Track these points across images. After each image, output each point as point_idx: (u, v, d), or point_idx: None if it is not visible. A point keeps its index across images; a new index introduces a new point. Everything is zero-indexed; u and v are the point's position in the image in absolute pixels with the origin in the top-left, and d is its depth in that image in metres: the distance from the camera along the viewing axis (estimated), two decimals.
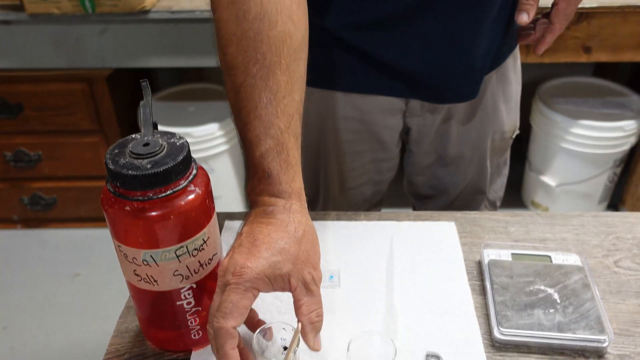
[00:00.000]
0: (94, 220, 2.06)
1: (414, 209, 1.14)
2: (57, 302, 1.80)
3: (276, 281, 0.56)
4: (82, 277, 1.90)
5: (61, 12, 1.56)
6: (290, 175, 0.60)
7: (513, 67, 0.96)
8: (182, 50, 1.66)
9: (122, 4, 1.53)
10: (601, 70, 2.20)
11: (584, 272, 0.72)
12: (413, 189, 1.10)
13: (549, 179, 1.98)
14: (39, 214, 2.05)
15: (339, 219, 0.85)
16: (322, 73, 0.86)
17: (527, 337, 0.65)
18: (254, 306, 0.60)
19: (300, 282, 0.57)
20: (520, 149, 2.05)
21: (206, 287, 0.61)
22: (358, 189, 1.01)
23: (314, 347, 0.57)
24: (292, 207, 0.60)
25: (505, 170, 1.10)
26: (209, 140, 1.82)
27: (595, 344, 0.64)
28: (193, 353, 0.66)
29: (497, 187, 1.09)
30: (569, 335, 0.64)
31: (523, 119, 1.08)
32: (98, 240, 2.02)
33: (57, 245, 2.02)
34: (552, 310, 0.67)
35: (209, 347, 0.66)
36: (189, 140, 1.92)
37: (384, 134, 0.94)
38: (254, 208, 0.61)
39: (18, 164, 1.92)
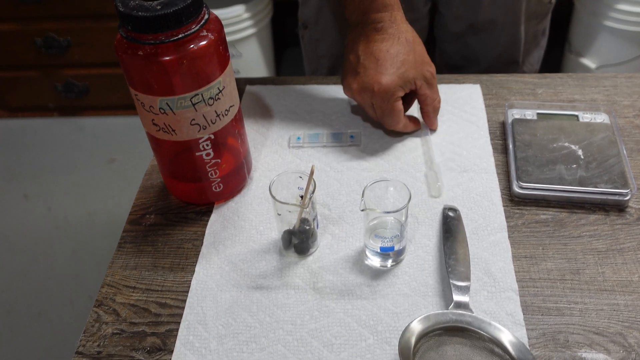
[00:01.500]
0: (127, 108, 2.08)
1: None
2: (97, 185, 1.87)
3: (406, 86, 0.68)
4: (118, 162, 1.95)
5: None
6: None
7: None
8: None
9: None
10: None
11: (611, 130, 0.70)
12: (444, 58, 1.06)
13: (589, 61, 1.89)
14: (73, 102, 2.08)
15: None
16: None
17: (546, 190, 0.64)
18: None
19: (423, 81, 0.69)
20: (561, 31, 1.95)
21: (225, 139, 0.62)
22: None
23: (434, 126, 0.74)
24: (396, 18, 0.69)
25: (543, 42, 1.04)
26: (236, 24, 1.78)
27: (616, 197, 0.63)
28: (215, 206, 0.67)
29: (534, 60, 1.04)
30: (590, 188, 0.63)
31: None
32: (132, 128, 2.05)
33: (93, 132, 2.07)
34: (574, 166, 0.66)
35: (230, 202, 0.68)
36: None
37: None
38: (362, 27, 0.69)
39: (49, 51, 1.92)
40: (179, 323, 0.57)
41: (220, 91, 0.58)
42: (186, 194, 0.68)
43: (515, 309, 0.56)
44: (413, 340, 0.50)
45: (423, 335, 0.51)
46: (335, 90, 0.81)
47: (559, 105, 0.74)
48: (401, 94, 0.69)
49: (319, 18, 0.96)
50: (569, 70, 2.00)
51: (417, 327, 0.51)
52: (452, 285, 0.55)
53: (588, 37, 1.87)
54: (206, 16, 0.56)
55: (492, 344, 0.51)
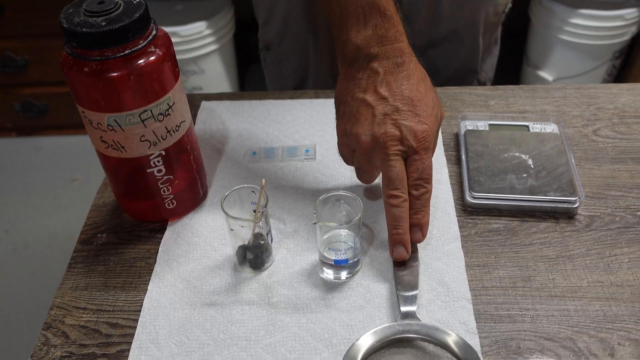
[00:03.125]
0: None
1: None
2: (57, 206, 1.83)
3: (439, 128, 0.60)
4: (80, 182, 1.92)
5: None
6: (399, 17, 0.59)
7: None
8: None
9: None
10: None
11: (560, 140, 0.72)
12: None
13: (546, 74, 1.94)
14: (32, 122, 2.04)
15: (317, 97, 0.84)
16: None
17: (497, 200, 0.65)
18: None
19: (439, 126, 0.61)
20: (518, 44, 2.00)
21: (177, 155, 0.61)
22: None
23: None
24: (410, 51, 0.59)
25: (496, 50, 1.07)
26: (198, 40, 1.78)
27: (566, 205, 0.64)
28: (169, 223, 0.67)
29: (488, 68, 1.07)
30: (540, 197, 0.65)
31: (522, 13, 1.03)
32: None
33: (53, 151, 2.03)
34: (524, 175, 0.67)
35: (184, 219, 0.67)
36: (177, 40, 1.87)
37: None
38: (379, 61, 0.58)
39: (6, 70, 1.89)
40: (131, 343, 0.55)
41: (170, 107, 0.58)
42: (139, 212, 0.67)
43: (469, 317, 0.56)
44: (359, 358, 0.50)
45: (372, 352, 0.51)
46: (292, 105, 0.82)
47: (511, 117, 0.76)
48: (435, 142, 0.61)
49: (283, 38, 0.96)
50: (528, 83, 2.05)
51: (364, 343, 0.51)
52: (398, 296, 0.56)
53: (544, 51, 1.92)
54: (154, 32, 0.55)
55: (441, 350, 0.52)
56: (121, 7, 0.53)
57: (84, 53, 0.53)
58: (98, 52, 0.52)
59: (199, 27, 1.78)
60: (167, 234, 0.65)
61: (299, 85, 1.01)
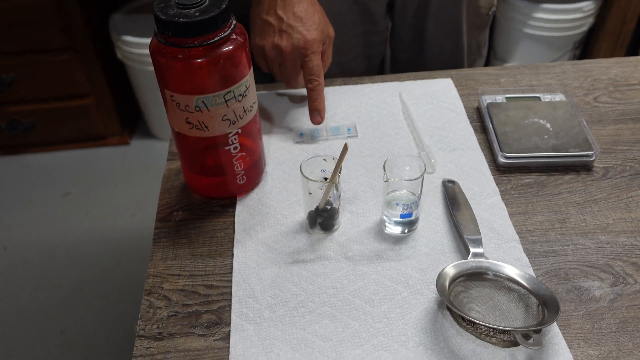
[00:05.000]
0: (76, 141, 2.07)
1: None
2: (53, 220, 1.85)
3: (325, 41, 0.79)
4: (73, 195, 1.93)
5: None
6: None
7: None
8: None
9: None
10: None
11: (569, 106, 0.82)
12: (397, 67, 1.17)
13: (513, 64, 2.08)
14: (18, 140, 2.04)
15: (345, 83, 0.92)
16: None
17: (526, 158, 0.75)
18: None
19: (329, 40, 0.81)
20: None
21: (248, 133, 0.68)
22: (351, 63, 1.07)
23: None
24: None
25: (484, 52, 1.17)
26: None
27: (584, 159, 0.75)
28: (238, 198, 0.73)
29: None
30: (562, 153, 0.75)
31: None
32: (83, 161, 2.04)
33: (42, 168, 2.04)
34: (546, 136, 0.77)
35: (251, 194, 0.74)
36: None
37: (372, 4, 1.00)
38: None
39: None
40: (229, 300, 0.62)
41: (247, 88, 0.65)
42: (211, 188, 0.73)
43: (520, 255, 0.65)
44: (447, 282, 0.58)
45: (452, 281, 0.60)
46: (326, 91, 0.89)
47: (522, 90, 0.86)
48: (322, 48, 0.79)
49: None
50: None
51: (448, 272, 0.60)
52: (467, 240, 0.64)
53: (510, 44, 2.06)
54: (234, 22, 0.63)
55: (509, 282, 0.60)
56: (207, 1, 0.60)
57: (179, 41, 0.59)
58: (192, 39, 0.59)
59: None
60: (239, 207, 0.72)
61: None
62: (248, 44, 0.65)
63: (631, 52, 2.09)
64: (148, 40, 1.80)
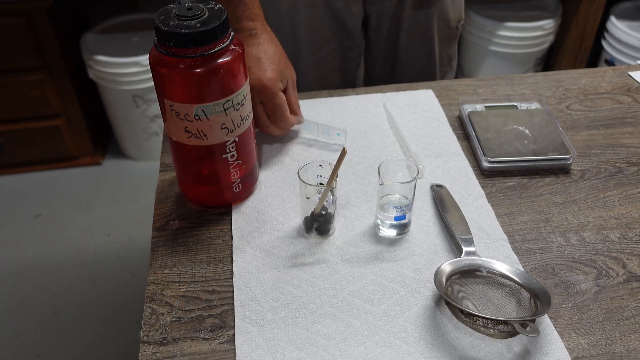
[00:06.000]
0: (47, 162, 2.04)
1: None
2: (25, 243, 1.81)
3: (283, 81, 0.79)
4: (45, 216, 1.90)
5: None
6: (257, 3, 0.80)
7: None
8: None
9: None
10: None
11: (545, 113, 0.86)
12: (371, 81, 1.21)
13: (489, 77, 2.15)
14: None
15: (330, 95, 0.95)
16: None
17: (509, 162, 0.79)
18: None
19: (290, 81, 0.81)
20: None
21: (244, 141, 0.70)
22: (329, 77, 1.11)
23: (300, 114, 0.84)
24: (265, 27, 0.81)
25: (454, 64, 1.22)
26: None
27: (562, 162, 0.79)
28: (233, 206, 0.75)
29: (450, 79, 1.21)
30: (542, 157, 0.79)
31: None
32: (54, 182, 2.01)
33: (12, 190, 2.00)
34: (525, 142, 0.81)
35: (246, 202, 0.75)
36: (137, 70, 1.94)
37: (348, 20, 1.03)
38: (238, 34, 0.78)
39: None
40: (232, 304, 0.63)
41: (245, 97, 0.67)
42: (207, 197, 0.74)
43: (509, 252, 0.68)
44: (444, 279, 0.61)
45: (448, 278, 0.62)
46: (311, 104, 0.92)
47: (499, 99, 0.90)
48: (282, 87, 0.79)
49: None
50: None
51: (444, 269, 0.62)
52: (459, 239, 0.67)
53: (476, 61, 2.13)
54: (232, 33, 0.65)
55: (502, 278, 0.63)
56: (207, 13, 0.62)
57: (180, 51, 0.61)
58: (193, 50, 0.61)
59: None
60: (235, 215, 0.73)
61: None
62: (244, 54, 0.67)
63: (590, 67, 2.18)
64: (120, 60, 1.81)
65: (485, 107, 0.88)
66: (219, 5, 0.64)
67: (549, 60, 2.18)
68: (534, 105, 0.88)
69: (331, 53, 1.07)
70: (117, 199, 1.95)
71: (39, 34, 1.76)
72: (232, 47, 0.64)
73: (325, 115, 0.90)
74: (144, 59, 1.82)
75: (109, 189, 1.99)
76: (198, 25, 0.61)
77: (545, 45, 2.06)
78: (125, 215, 1.90)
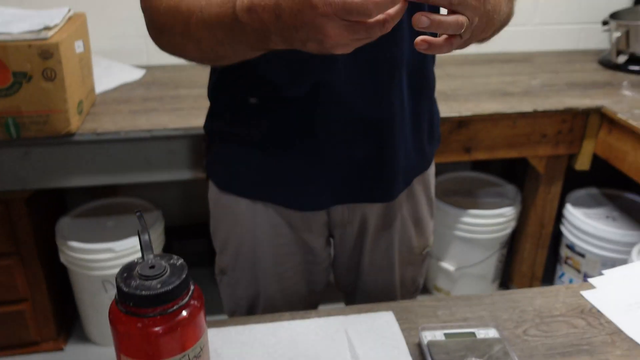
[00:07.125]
0: (13, 347, 1.96)
1: (345, 303, 1.28)
2: None
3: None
4: None
5: None
6: None
7: (423, 191, 1.13)
8: (106, 168, 1.73)
9: (48, 128, 1.60)
10: (477, 164, 2.53)
11: (502, 343, 0.88)
12: (341, 287, 1.24)
13: (448, 265, 2.21)
14: None
15: (292, 318, 0.96)
16: (250, 184, 1.02)
17: None
18: None
19: None
20: None
21: None
22: (293, 288, 1.13)
23: None
24: None
25: (420, 284, 1.23)
26: (133, 254, 1.86)
27: None
28: None
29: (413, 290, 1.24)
30: None
31: None
32: None
33: None
34: None
35: None
36: (109, 256, 1.97)
37: (311, 240, 1.08)
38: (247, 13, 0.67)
39: None
40: None
41: (202, 349, 0.68)
42: None
43: None
44: None
45: None
46: (274, 327, 0.93)
47: (459, 325, 0.92)
48: None
49: (236, 264, 1.11)
50: (432, 274, 2.29)
51: None
52: None
53: (444, 246, 2.20)
54: (192, 287, 0.67)
55: None
56: (168, 270, 0.65)
57: (139, 311, 0.63)
58: (152, 309, 0.63)
59: (133, 242, 1.87)
60: None
61: (252, 304, 1.13)
62: (204, 306, 0.69)
63: (552, 250, 2.26)
64: (92, 246, 1.83)
65: (445, 334, 0.90)
66: (181, 261, 0.67)
67: (512, 245, 2.26)
68: (492, 332, 0.90)
69: (296, 266, 1.10)
70: None
71: (14, 222, 1.79)
72: (192, 301, 0.66)
73: (288, 342, 0.90)
74: (117, 244, 1.84)
75: None
76: (158, 285, 0.63)
77: (508, 231, 2.15)
78: None
